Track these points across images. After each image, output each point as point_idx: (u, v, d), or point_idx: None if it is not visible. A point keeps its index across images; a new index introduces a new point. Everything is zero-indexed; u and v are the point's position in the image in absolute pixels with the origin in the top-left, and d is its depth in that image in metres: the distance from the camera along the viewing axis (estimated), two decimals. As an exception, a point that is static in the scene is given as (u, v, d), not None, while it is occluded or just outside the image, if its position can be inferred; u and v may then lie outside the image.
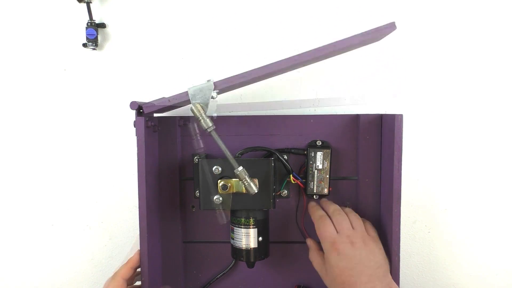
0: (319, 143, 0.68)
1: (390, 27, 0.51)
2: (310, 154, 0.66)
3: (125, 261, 0.60)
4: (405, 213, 0.72)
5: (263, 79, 0.64)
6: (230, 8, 0.72)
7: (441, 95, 0.71)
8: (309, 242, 0.65)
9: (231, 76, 0.56)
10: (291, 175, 0.66)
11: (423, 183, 0.73)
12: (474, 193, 0.72)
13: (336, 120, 0.68)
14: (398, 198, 0.59)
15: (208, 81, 0.56)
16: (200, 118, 0.56)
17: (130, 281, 0.61)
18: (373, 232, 0.60)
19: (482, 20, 0.70)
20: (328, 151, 0.66)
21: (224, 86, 0.56)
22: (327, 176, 0.66)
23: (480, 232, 0.73)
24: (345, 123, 0.68)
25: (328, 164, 0.66)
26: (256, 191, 0.58)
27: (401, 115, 0.58)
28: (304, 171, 0.67)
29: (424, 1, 0.70)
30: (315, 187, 0.67)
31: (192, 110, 0.56)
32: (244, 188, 0.58)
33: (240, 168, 0.57)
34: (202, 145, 0.56)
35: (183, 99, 0.57)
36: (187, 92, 0.56)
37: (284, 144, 0.69)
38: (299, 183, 0.67)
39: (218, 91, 0.56)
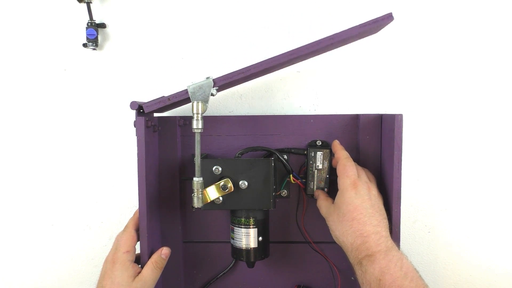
0: (319, 143, 0.68)
1: (387, 18, 0.51)
2: (310, 154, 0.66)
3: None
4: (405, 213, 0.72)
5: (262, 74, 0.64)
6: (229, 7, 0.72)
7: (441, 95, 0.71)
8: (317, 192, 0.66)
9: (230, 72, 0.56)
10: (291, 175, 0.66)
11: (423, 183, 0.73)
12: (474, 193, 0.72)
13: (336, 120, 0.68)
14: (398, 198, 0.59)
15: (208, 78, 0.56)
16: (195, 117, 0.56)
17: (137, 233, 0.61)
18: None
19: (482, 19, 0.70)
20: (328, 151, 0.66)
21: (224, 82, 0.56)
22: (327, 176, 0.66)
23: (480, 232, 0.73)
24: (345, 123, 0.68)
25: (328, 164, 0.66)
26: (194, 207, 0.58)
27: (401, 115, 0.58)
28: (304, 171, 0.67)
29: None
30: (315, 187, 0.67)
31: (192, 105, 0.56)
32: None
33: (200, 179, 0.57)
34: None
35: (183, 97, 0.57)
36: (186, 90, 0.56)
37: (284, 144, 0.69)
38: (299, 183, 0.67)
39: (217, 88, 0.56)
